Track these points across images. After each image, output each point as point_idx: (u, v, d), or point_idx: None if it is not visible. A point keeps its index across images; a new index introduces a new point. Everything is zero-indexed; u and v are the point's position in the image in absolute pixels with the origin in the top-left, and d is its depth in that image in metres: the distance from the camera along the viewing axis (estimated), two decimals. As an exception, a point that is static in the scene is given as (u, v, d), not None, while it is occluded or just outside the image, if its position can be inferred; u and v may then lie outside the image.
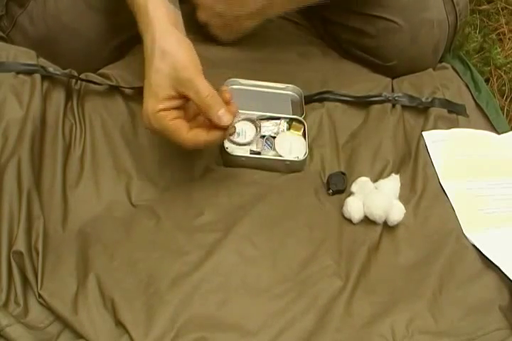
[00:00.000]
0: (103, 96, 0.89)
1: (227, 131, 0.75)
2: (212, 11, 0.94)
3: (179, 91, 0.73)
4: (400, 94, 0.97)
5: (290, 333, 0.71)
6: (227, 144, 0.86)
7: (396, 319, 0.73)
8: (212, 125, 0.75)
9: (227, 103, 0.75)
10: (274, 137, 0.89)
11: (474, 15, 1.26)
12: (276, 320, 0.72)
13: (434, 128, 0.94)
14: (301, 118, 0.91)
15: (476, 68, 1.10)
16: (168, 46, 0.74)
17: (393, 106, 0.97)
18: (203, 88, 0.73)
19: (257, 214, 0.81)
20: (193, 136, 0.74)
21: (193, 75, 0.73)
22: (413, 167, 0.89)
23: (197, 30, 1.01)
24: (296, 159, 0.87)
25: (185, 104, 0.76)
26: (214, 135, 0.75)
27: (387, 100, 0.96)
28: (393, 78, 1.02)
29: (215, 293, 0.72)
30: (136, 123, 0.88)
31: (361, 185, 0.84)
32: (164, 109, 0.73)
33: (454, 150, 0.92)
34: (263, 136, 0.89)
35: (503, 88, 1.16)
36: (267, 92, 0.95)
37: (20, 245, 0.72)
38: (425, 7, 0.98)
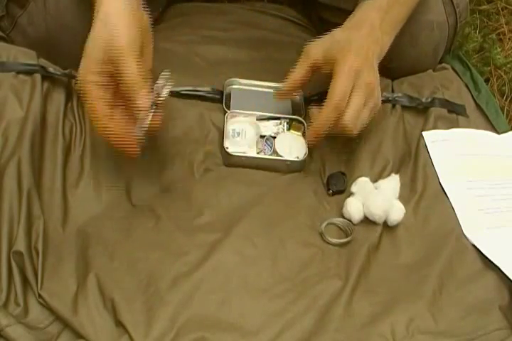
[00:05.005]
0: (103, 96, 0.89)
1: (138, 121, 0.71)
2: None
3: (108, 66, 0.70)
4: (399, 95, 0.97)
5: (290, 333, 0.71)
6: (227, 144, 0.86)
7: (396, 319, 0.73)
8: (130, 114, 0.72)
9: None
10: (274, 137, 0.89)
11: (474, 15, 1.26)
12: (276, 320, 0.72)
13: (434, 128, 0.94)
14: (301, 119, 0.91)
15: (475, 68, 1.10)
16: (113, 10, 0.71)
17: (393, 106, 0.96)
18: (132, 63, 0.69)
19: (257, 214, 0.81)
20: (106, 121, 0.71)
21: (127, 47, 0.70)
22: (413, 167, 0.89)
23: (195, 30, 1.01)
24: (296, 159, 0.87)
25: (113, 84, 0.72)
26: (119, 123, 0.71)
27: (387, 100, 0.96)
28: (393, 79, 1.02)
29: (215, 293, 0.73)
30: (136, 123, 0.88)
31: (361, 186, 0.84)
32: (93, 82, 0.71)
33: (454, 150, 0.92)
34: (263, 136, 0.89)
35: (503, 88, 1.16)
36: (267, 92, 0.95)
37: (20, 245, 0.72)
38: (425, 9, 0.98)
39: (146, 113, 0.71)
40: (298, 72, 0.85)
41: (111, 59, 0.70)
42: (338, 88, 0.79)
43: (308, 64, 0.84)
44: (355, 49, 0.81)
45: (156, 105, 0.72)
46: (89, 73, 0.71)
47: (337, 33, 0.85)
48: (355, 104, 0.80)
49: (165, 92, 0.73)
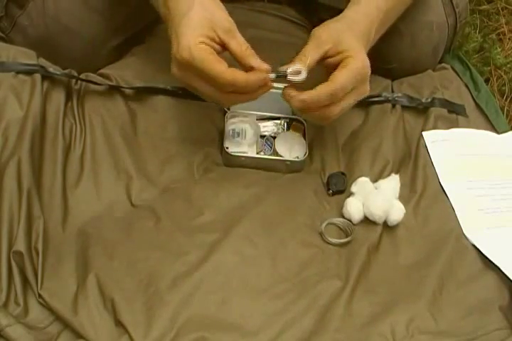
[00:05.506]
0: (103, 96, 0.89)
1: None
2: None
3: (220, 37, 0.75)
4: (399, 95, 0.97)
5: (290, 333, 0.71)
6: (227, 144, 0.86)
7: (396, 319, 0.73)
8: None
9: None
10: (274, 137, 0.89)
11: (474, 15, 1.26)
12: (276, 320, 0.72)
13: (434, 128, 0.94)
14: (301, 119, 0.91)
15: (475, 68, 1.10)
16: (207, 2, 0.76)
17: (393, 106, 0.97)
18: (243, 39, 0.76)
19: (257, 214, 0.81)
20: (232, 70, 0.74)
21: (234, 27, 0.76)
22: (413, 167, 0.89)
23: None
24: (296, 159, 0.87)
25: (220, 52, 0.76)
26: (256, 74, 0.75)
27: (387, 100, 0.96)
28: (393, 80, 1.02)
29: (215, 293, 0.73)
30: (136, 123, 0.88)
31: (361, 186, 0.84)
32: (205, 43, 0.74)
33: (454, 150, 0.92)
34: (263, 136, 0.89)
35: (503, 88, 1.16)
36: (267, 92, 0.95)
37: (20, 245, 0.72)
38: (425, 9, 0.98)
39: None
40: (308, 60, 0.79)
41: (222, 36, 0.75)
42: (344, 78, 0.76)
43: (321, 53, 0.79)
44: (362, 46, 0.80)
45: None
46: (200, 37, 0.74)
47: (339, 26, 0.81)
48: (347, 103, 0.79)
49: (293, 76, 0.77)
